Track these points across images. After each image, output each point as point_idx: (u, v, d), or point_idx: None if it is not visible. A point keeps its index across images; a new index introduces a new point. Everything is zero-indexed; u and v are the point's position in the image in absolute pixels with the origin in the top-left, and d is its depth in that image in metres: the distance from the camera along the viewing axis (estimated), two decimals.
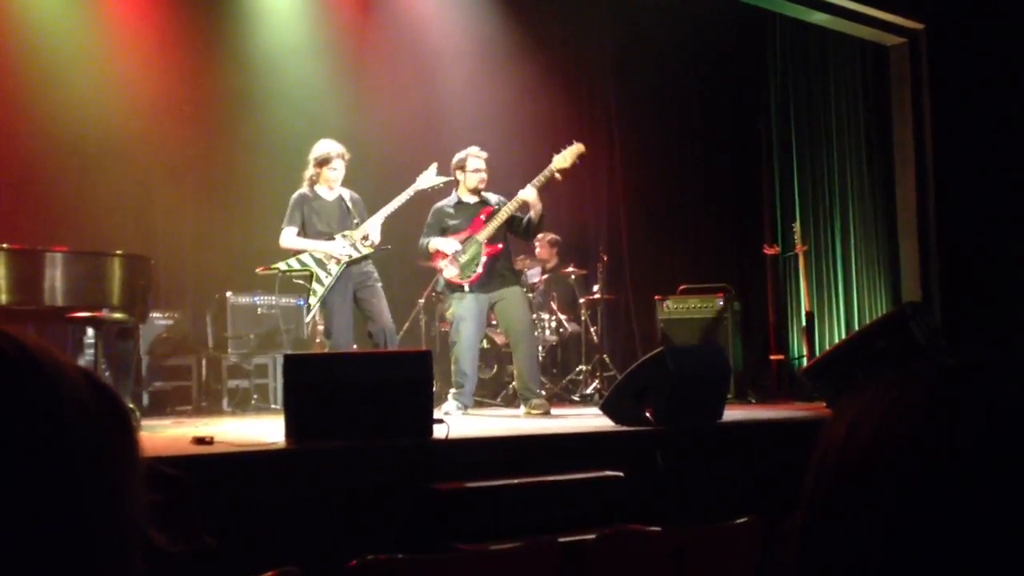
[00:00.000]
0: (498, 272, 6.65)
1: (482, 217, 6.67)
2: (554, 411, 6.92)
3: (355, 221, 6.49)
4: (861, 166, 10.15)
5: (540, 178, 6.60)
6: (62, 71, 7.61)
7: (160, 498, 0.68)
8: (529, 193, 6.54)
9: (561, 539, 2.98)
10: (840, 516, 0.66)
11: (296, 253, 6.45)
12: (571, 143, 6.72)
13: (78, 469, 0.62)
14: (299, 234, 6.46)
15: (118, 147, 7.75)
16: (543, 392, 6.89)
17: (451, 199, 6.77)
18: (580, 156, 6.72)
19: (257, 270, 6.73)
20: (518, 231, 6.75)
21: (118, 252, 6.37)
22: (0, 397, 0.60)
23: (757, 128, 10.39)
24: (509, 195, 6.79)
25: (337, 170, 6.48)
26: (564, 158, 6.65)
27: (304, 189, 6.54)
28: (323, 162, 6.46)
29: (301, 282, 6.61)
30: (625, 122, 10.10)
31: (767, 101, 10.38)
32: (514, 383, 6.79)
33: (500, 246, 6.66)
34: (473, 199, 6.75)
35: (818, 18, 9.00)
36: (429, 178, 6.60)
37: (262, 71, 8.61)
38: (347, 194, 6.59)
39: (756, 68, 10.40)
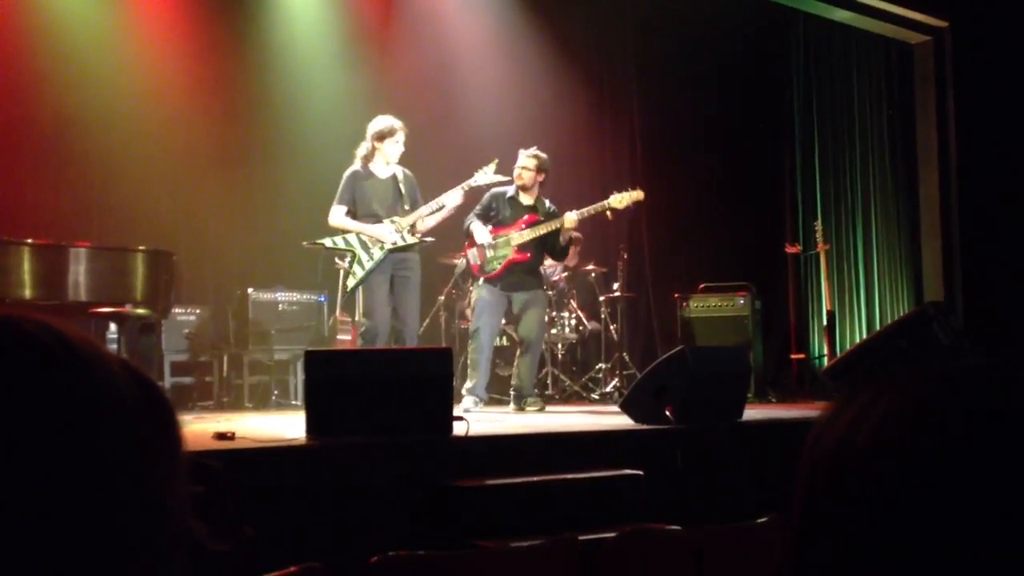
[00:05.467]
0: (520, 274, 6.72)
1: (523, 224, 6.71)
2: (574, 409, 6.98)
3: (406, 207, 6.43)
4: (884, 164, 10.11)
5: (590, 209, 6.72)
6: (86, 67, 7.65)
7: (201, 489, 0.69)
8: (572, 219, 6.63)
9: (581, 537, 2.98)
10: (835, 523, 0.66)
11: (342, 232, 6.41)
12: (634, 187, 6.86)
13: (120, 462, 0.62)
14: (348, 213, 6.40)
15: (141, 144, 7.79)
16: (536, 391, 7.05)
17: (510, 190, 6.80)
18: (637, 203, 6.88)
19: (303, 243, 6.69)
20: (549, 249, 6.84)
21: (141, 248, 6.42)
22: (42, 389, 0.61)
23: (778, 126, 10.35)
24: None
25: (399, 143, 6.41)
26: (621, 200, 6.76)
27: (356, 166, 6.46)
28: (387, 134, 6.37)
29: (341, 263, 6.53)
30: (647, 119, 10.07)
31: (790, 98, 10.34)
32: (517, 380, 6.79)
33: (529, 255, 6.72)
34: (528, 200, 6.81)
35: (842, 16, 8.97)
36: (487, 175, 6.58)
37: (286, 68, 8.63)
38: (400, 172, 6.50)
39: (780, 65, 10.36)
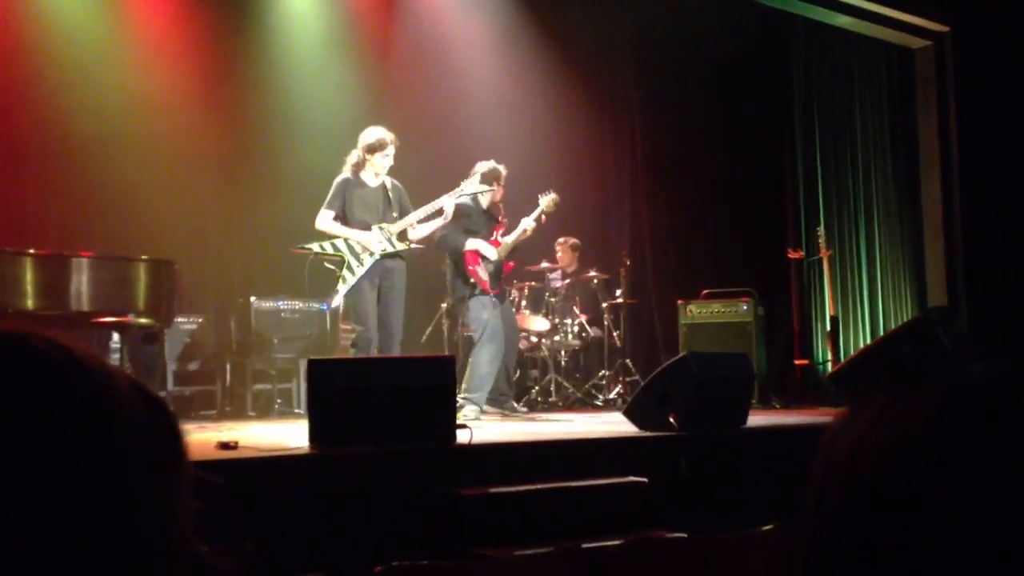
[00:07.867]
0: (504, 285, 6.98)
1: (498, 234, 6.80)
2: (577, 416, 6.95)
3: (394, 215, 6.39)
4: (886, 169, 10.10)
5: (539, 214, 6.97)
6: (87, 75, 7.66)
7: (203, 505, 0.68)
8: (533, 226, 6.89)
9: (585, 545, 2.97)
10: (848, 528, 0.65)
11: (331, 237, 6.33)
12: (549, 191, 7.12)
13: (128, 477, 0.62)
14: (336, 219, 6.34)
15: (143, 153, 7.80)
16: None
17: (473, 203, 6.77)
18: (556, 204, 7.14)
19: (291, 249, 6.63)
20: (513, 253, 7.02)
21: (143, 257, 6.42)
22: (51, 405, 0.61)
23: (780, 131, 10.35)
24: (524, 196, 6.91)
25: (389, 157, 6.37)
26: (548, 204, 7.05)
27: (347, 174, 6.41)
28: (376, 148, 6.33)
29: (331, 267, 6.45)
30: (648, 125, 10.07)
31: (792, 104, 10.33)
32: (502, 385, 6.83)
33: (512, 264, 6.93)
34: (488, 212, 6.89)
35: (843, 21, 8.96)
36: (474, 184, 6.59)
37: (288, 76, 8.65)
38: (389, 182, 6.48)
39: (781, 70, 10.35)
